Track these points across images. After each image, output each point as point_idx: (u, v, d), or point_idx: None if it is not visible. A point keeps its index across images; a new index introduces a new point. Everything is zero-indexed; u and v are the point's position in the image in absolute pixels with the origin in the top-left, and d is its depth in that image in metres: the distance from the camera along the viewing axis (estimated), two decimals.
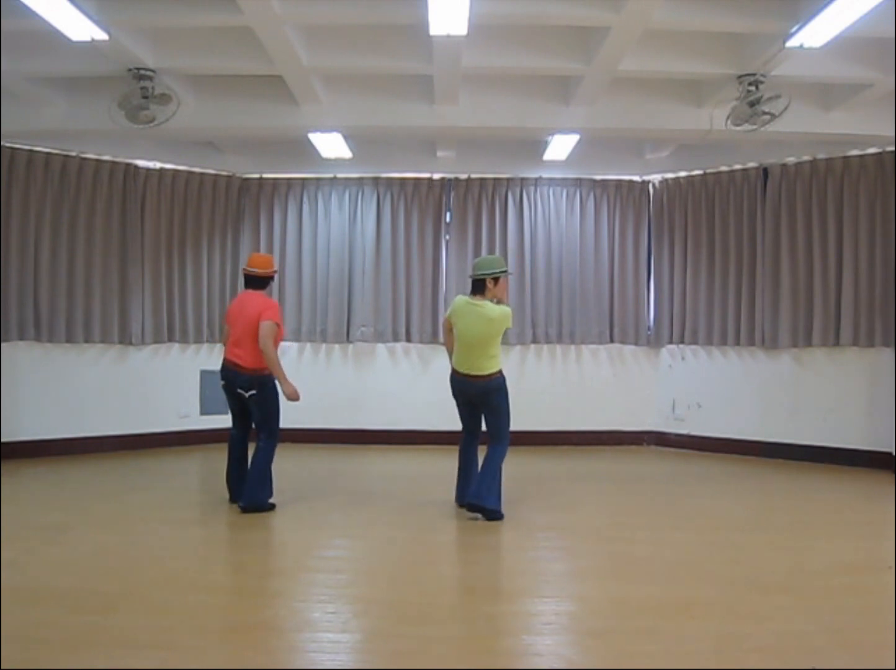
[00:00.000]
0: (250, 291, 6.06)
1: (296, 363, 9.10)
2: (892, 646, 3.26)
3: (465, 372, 5.77)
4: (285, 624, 3.70)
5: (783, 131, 6.73)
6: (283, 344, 9.14)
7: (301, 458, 8.25)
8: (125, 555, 4.66)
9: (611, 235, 9.08)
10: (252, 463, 5.88)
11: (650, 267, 9.14)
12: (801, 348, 8.12)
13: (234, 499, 5.96)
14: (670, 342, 8.99)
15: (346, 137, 7.85)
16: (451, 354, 5.94)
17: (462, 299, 5.88)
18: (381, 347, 9.17)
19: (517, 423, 8.85)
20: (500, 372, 5.77)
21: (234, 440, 6.06)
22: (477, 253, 9.04)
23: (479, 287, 5.76)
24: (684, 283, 8.83)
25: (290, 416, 9.19)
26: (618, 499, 6.54)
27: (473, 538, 5.30)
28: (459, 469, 6.01)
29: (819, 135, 7.19)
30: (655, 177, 9.06)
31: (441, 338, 8.88)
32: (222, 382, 5.96)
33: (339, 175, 9.06)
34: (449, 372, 5.92)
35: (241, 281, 8.81)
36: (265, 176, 9.12)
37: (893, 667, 3.12)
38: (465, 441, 6.03)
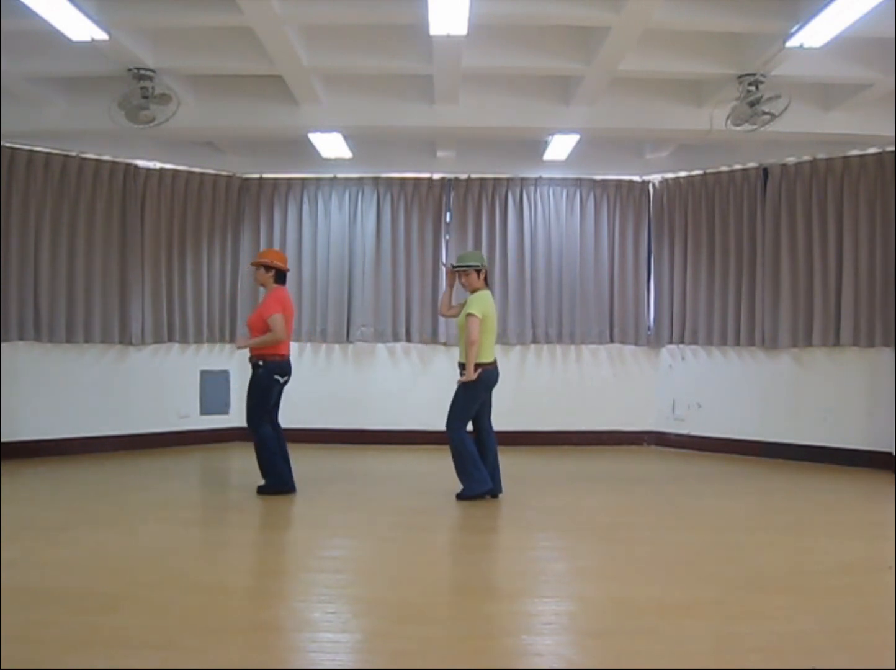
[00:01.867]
0: (285, 288, 6.44)
1: (296, 363, 9.02)
2: (892, 646, 3.26)
3: (495, 360, 6.18)
4: (285, 624, 3.70)
5: (783, 131, 6.73)
6: None
7: (301, 458, 8.22)
8: (125, 555, 4.65)
9: (611, 235, 9.08)
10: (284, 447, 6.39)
11: (650, 267, 9.14)
12: (801, 348, 8.11)
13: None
14: (670, 342, 8.99)
15: (346, 137, 7.85)
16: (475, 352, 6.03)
17: (487, 294, 6.14)
18: (381, 347, 9.17)
19: (517, 423, 8.94)
20: None
21: (274, 436, 6.26)
22: None
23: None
24: (684, 283, 8.83)
25: (291, 416, 9.20)
26: (618, 499, 6.53)
27: (473, 538, 5.31)
28: (480, 462, 6.10)
29: (819, 135, 7.19)
30: (655, 178, 9.06)
31: (446, 338, 8.94)
32: (286, 377, 6.26)
33: (339, 175, 9.05)
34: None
35: (243, 281, 9.00)
36: (265, 176, 9.11)
37: (893, 667, 3.12)
38: (468, 435, 6.17)
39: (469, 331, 5.93)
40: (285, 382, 6.31)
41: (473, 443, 6.16)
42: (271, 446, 6.19)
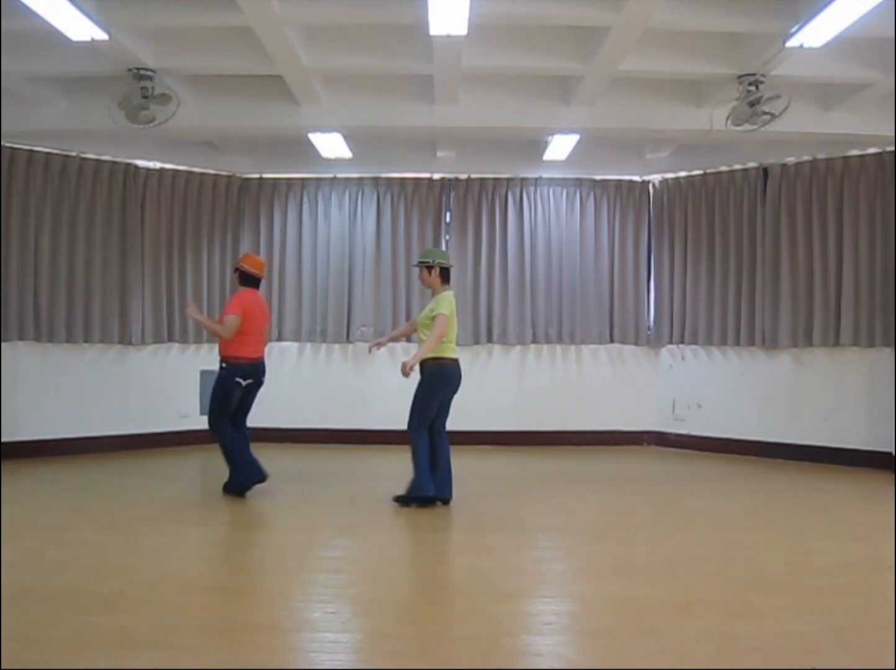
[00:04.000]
0: (257, 292, 6.48)
1: (296, 363, 9.12)
2: (892, 646, 3.26)
3: (457, 359, 6.03)
4: (285, 624, 3.69)
5: (783, 131, 6.73)
6: (283, 344, 9.21)
7: (301, 458, 8.26)
8: (125, 555, 4.66)
9: (611, 235, 9.08)
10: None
11: (650, 267, 9.14)
12: (801, 348, 8.12)
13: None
14: (670, 342, 8.99)
15: (346, 137, 7.85)
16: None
17: (450, 295, 6.03)
18: None
19: (517, 423, 8.94)
20: None
21: (235, 433, 6.25)
22: (477, 253, 9.06)
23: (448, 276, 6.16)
24: (684, 283, 8.83)
25: (290, 416, 9.22)
26: (618, 499, 6.53)
27: (473, 538, 5.30)
28: (432, 463, 5.95)
29: (819, 135, 7.19)
30: (655, 178, 9.06)
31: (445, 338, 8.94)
32: (249, 380, 6.21)
33: (339, 175, 9.06)
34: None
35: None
36: (265, 176, 9.12)
37: (893, 667, 3.12)
38: (426, 436, 5.99)
39: (437, 328, 5.81)
40: (249, 385, 6.23)
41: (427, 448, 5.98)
42: (230, 442, 6.15)
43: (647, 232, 9.13)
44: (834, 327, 7.87)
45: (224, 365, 6.20)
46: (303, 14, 5.42)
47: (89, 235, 8.13)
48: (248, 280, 6.39)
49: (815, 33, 5.25)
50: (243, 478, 6.17)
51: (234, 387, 6.16)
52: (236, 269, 6.46)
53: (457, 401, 8.73)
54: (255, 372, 6.29)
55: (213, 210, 8.91)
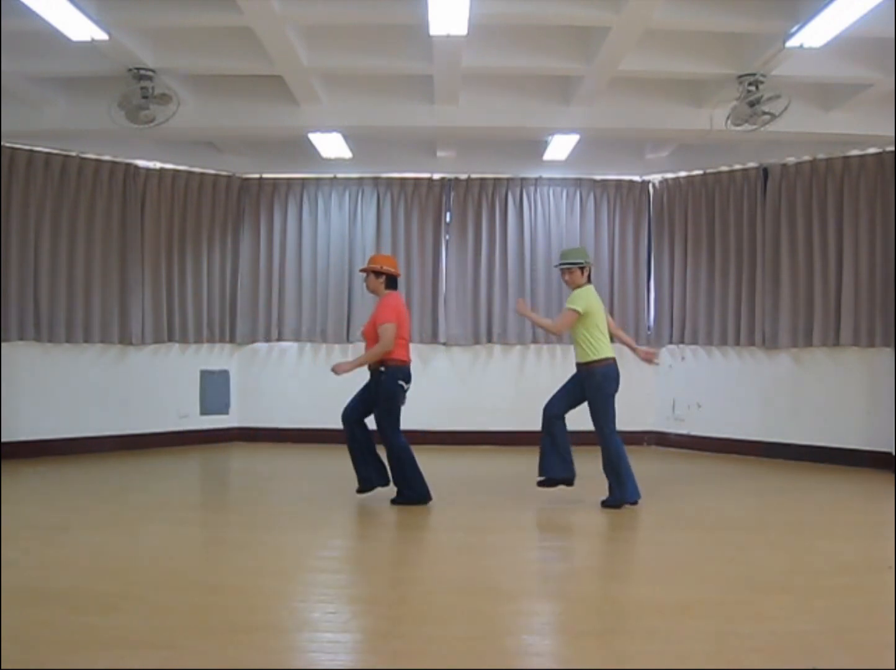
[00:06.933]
0: (398, 293, 6.19)
1: (296, 363, 9.11)
2: (892, 646, 3.25)
3: (614, 357, 5.90)
4: (285, 624, 3.69)
5: (783, 131, 6.73)
6: (283, 344, 9.21)
7: (300, 458, 8.25)
8: (125, 555, 4.65)
9: (611, 235, 9.08)
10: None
11: (650, 267, 9.14)
12: (801, 348, 8.11)
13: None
14: (670, 342, 8.99)
15: (346, 137, 7.85)
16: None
17: (590, 289, 5.92)
18: None
19: (517, 423, 8.93)
20: None
21: (409, 447, 6.04)
22: (477, 253, 9.06)
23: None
24: (684, 283, 8.83)
25: (290, 416, 9.21)
26: None
27: (473, 538, 5.30)
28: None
29: (819, 135, 7.19)
30: (655, 178, 9.06)
31: (446, 338, 8.92)
32: (409, 384, 5.96)
33: (339, 175, 9.06)
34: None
35: (242, 281, 9.02)
36: (265, 176, 9.12)
37: (893, 667, 3.11)
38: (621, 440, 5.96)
39: (558, 321, 5.77)
40: (408, 389, 5.98)
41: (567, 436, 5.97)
42: (408, 457, 5.95)
43: (647, 232, 9.13)
44: (834, 327, 7.86)
45: (382, 369, 5.90)
46: (303, 14, 5.42)
47: (89, 235, 8.13)
48: (393, 282, 6.12)
49: (815, 33, 5.25)
50: (416, 495, 5.95)
51: (398, 391, 5.92)
52: (379, 273, 6.02)
53: (457, 402, 8.75)
54: (410, 376, 6.02)
55: (213, 210, 8.91)
